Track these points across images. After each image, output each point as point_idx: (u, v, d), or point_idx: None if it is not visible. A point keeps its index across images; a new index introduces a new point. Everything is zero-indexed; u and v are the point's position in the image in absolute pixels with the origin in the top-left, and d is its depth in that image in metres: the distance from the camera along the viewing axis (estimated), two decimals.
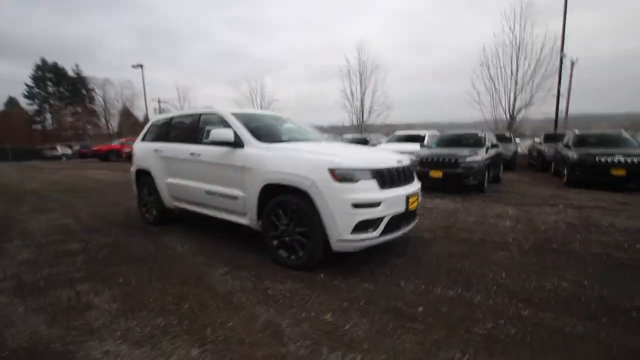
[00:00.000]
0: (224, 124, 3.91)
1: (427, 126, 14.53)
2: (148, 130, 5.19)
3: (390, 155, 3.49)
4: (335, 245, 2.91)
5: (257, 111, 4.36)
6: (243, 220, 3.61)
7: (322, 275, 3.00)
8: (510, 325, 2.21)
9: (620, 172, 7.53)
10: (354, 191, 2.89)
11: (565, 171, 8.68)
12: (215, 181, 3.82)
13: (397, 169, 3.25)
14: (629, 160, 7.48)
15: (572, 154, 8.45)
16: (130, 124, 41.08)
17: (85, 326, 2.23)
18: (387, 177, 3.11)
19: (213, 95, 74.13)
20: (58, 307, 2.49)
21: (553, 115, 16.82)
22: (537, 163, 13.21)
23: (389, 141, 11.87)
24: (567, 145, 9.42)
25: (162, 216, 4.82)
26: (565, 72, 16.07)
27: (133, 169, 5.25)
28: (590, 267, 3.17)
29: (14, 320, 2.33)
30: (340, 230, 2.85)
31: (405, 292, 2.69)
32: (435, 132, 12.10)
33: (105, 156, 21.16)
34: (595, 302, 2.51)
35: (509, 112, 18.58)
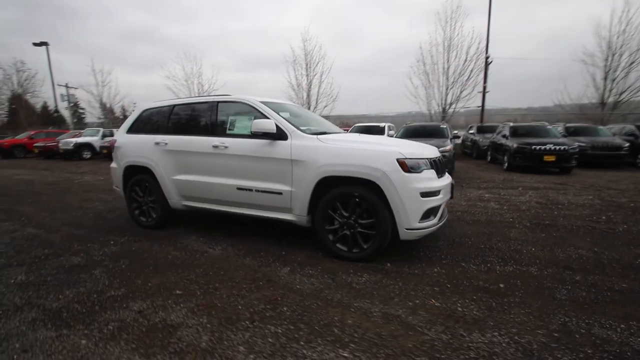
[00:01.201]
0: (253, 113, 3.65)
1: (370, 118, 15.29)
2: (137, 120, 4.51)
3: (430, 147, 3.67)
4: (404, 234, 3.00)
5: (278, 100, 4.11)
6: (287, 217, 3.45)
7: (388, 264, 3.08)
8: (577, 289, 2.59)
9: (551, 158, 9.08)
10: (421, 180, 3.00)
11: (506, 158, 10.10)
12: (251, 176, 3.55)
13: (440, 159, 3.46)
14: (557, 147, 9.06)
15: (512, 144, 9.86)
16: (27, 115, 34.26)
17: (192, 348, 1.94)
18: (439, 167, 3.30)
19: (131, 82, 66.05)
20: (134, 333, 2.10)
21: (475, 109, 19.30)
22: (472, 152, 15.00)
23: (350, 132, 12.23)
24: (504, 136, 10.91)
25: (165, 218, 4.29)
26: (490, 69, 18.41)
27: (118, 165, 4.53)
28: (587, 237, 3.85)
29: None
30: (410, 219, 2.95)
31: (474, 272, 2.93)
32: (392, 124, 12.85)
33: (9, 152, 17.41)
34: (615, 263, 3.08)
35: (442, 105, 20.59)
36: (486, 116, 20.30)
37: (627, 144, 10.21)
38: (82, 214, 5.23)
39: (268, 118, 3.50)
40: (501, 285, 2.66)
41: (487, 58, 17.50)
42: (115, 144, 4.61)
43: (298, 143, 3.32)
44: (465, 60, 18.92)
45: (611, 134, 11.37)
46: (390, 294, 2.54)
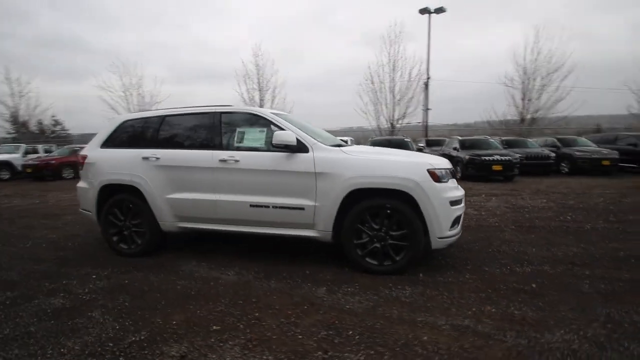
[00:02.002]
0: (265, 125, 3.44)
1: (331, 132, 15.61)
2: (115, 132, 3.92)
3: (443, 158, 3.79)
4: (436, 243, 3.03)
5: (278, 111, 3.92)
6: (309, 234, 3.25)
7: (421, 275, 3.06)
8: (594, 282, 2.85)
9: (499, 168, 10.15)
10: (449, 190, 3.09)
11: (459, 169, 11.02)
12: (267, 192, 3.29)
13: (453, 170, 3.60)
14: (503, 158, 10.17)
15: (464, 155, 10.84)
16: None
17: None
18: (454, 177, 3.43)
19: (56, 92, 57.76)
20: None
21: (414, 125, 21.07)
22: None
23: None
24: (455, 149, 11.94)
25: (153, 244, 3.74)
26: (430, 89, 20.16)
27: (91, 184, 3.86)
28: (568, 236, 4.31)
29: None
30: (442, 227, 2.99)
31: (501, 275, 3.05)
32: (352, 138, 13.26)
33: None
34: (606, 257, 3.48)
35: (389, 121, 21.89)
36: (420, 132, 22.07)
37: (553, 154, 11.89)
38: (32, 245, 4.32)
39: (283, 129, 3.32)
40: (533, 286, 2.81)
41: (428, 79, 19.20)
42: (86, 160, 3.94)
43: (322, 155, 3.19)
44: (409, 80, 20.58)
45: (538, 145, 13.14)
46: (444, 304, 2.51)
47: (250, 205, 3.34)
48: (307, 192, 3.19)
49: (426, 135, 19.70)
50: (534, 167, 11.71)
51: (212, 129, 3.56)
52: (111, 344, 2.09)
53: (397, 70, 21.03)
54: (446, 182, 3.09)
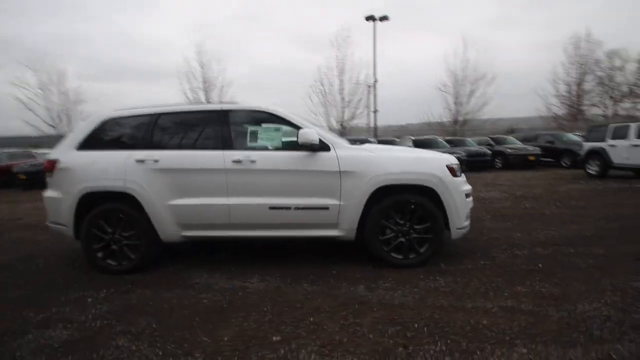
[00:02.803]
0: (278, 123, 3.31)
1: None
2: (95, 132, 3.38)
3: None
4: (455, 234, 3.22)
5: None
6: (332, 233, 3.21)
7: (442, 265, 3.23)
8: (585, 258, 3.30)
9: None
10: (463, 183, 3.31)
11: None
12: (288, 193, 3.15)
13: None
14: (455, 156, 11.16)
15: None
16: None
17: None
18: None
19: None
20: None
21: (362, 125, 22.09)
22: None
23: None
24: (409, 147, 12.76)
25: (150, 257, 3.32)
26: (376, 90, 21.20)
27: (66, 193, 3.28)
28: (537, 221, 4.91)
29: None
30: (461, 219, 3.20)
31: (508, 259, 3.37)
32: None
33: None
34: (579, 237, 4.05)
35: (339, 122, 22.50)
36: (364, 131, 23.16)
37: (490, 152, 13.41)
38: None
39: (301, 127, 3.22)
40: (540, 265, 3.16)
41: (375, 82, 20.20)
42: (58, 165, 3.34)
43: (345, 154, 3.17)
44: (357, 83, 21.39)
45: (476, 144, 14.70)
46: (480, 290, 2.69)
47: (270, 208, 3.17)
48: (331, 191, 3.14)
49: (376, 135, 20.67)
50: (476, 163, 13.07)
51: (219, 128, 3.29)
52: None
53: (345, 73, 21.75)
54: (460, 176, 3.31)
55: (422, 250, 3.19)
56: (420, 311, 2.37)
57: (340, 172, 3.12)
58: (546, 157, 13.61)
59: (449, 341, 2.00)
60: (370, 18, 19.36)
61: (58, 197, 3.35)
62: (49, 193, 3.46)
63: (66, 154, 3.37)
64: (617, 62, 23.04)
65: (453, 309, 2.39)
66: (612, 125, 9.55)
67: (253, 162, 3.16)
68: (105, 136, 3.43)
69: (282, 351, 1.97)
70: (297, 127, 3.24)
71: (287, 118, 3.31)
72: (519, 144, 14.15)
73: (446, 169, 3.17)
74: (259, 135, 3.31)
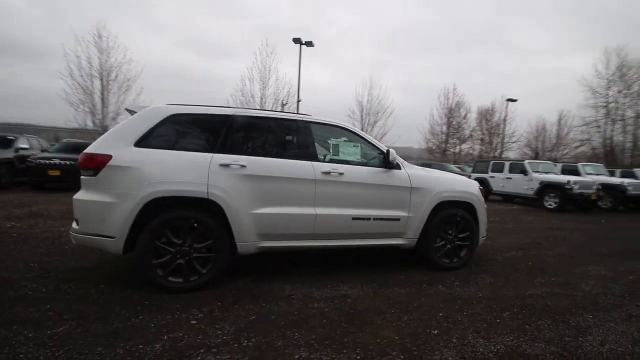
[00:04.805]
0: (353, 139, 3.59)
1: None
2: (158, 128, 2.90)
3: None
4: (480, 241, 4.06)
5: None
6: (398, 241, 3.62)
7: (473, 267, 4.01)
8: (569, 253, 4.62)
9: None
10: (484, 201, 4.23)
11: None
12: (369, 205, 3.42)
13: None
14: None
15: None
16: None
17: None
18: None
19: None
20: None
21: None
22: None
23: None
24: None
25: (221, 272, 3.01)
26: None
27: (121, 198, 2.70)
28: (496, 231, 6.35)
29: None
30: (484, 229, 4.07)
31: (514, 259, 4.41)
32: None
33: None
34: (544, 238, 5.53)
35: None
36: None
37: None
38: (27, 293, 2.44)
39: (377, 147, 3.59)
40: (530, 264, 4.29)
41: (299, 101, 21.09)
42: (112, 163, 2.72)
43: (413, 172, 3.66)
44: (282, 101, 21.83)
45: None
46: (517, 282, 3.54)
47: (353, 218, 3.36)
48: (402, 204, 3.57)
49: None
50: None
51: (303, 139, 3.33)
52: None
53: (267, 87, 21.92)
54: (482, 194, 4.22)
55: (462, 254, 3.91)
56: (505, 300, 3.03)
57: (411, 187, 3.60)
58: None
59: (556, 316, 2.70)
60: (297, 41, 20.37)
61: (106, 202, 2.72)
62: (88, 196, 2.76)
63: (122, 150, 2.79)
64: (462, 112, 30.63)
65: (520, 297, 3.13)
66: (492, 162, 12.82)
67: (341, 174, 3.32)
68: (171, 133, 3.00)
69: (454, 340, 2.29)
70: (372, 145, 3.59)
71: (363, 136, 3.62)
72: None
73: (479, 189, 4.03)
74: (340, 150, 3.49)
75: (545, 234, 6.34)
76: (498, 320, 2.62)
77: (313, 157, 3.31)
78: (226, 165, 2.97)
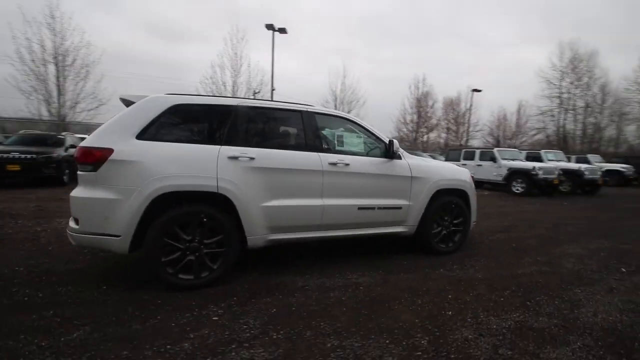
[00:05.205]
0: (354, 130, 3.64)
1: None
2: (159, 119, 2.75)
3: None
4: (472, 226, 4.29)
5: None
6: (399, 229, 3.73)
7: (466, 250, 4.24)
8: (548, 234, 4.99)
9: None
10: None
11: None
12: (373, 194, 3.49)
13: None
14: None
15: None
16: None
17: None
18: None
19: None
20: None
21: None
22: None
23: None
24: None
25: (231, 266, 2.96)
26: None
27: (125, 194, 2.55)
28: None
29: None
30: (475, 215, 4.30)
31: (501, 241, 4.71)
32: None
33: None
34: (519, 222, 5.91)
35: None
36: None
37: None
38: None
39: (379, 137, 3.65)
40: (514, 245, 4.61)
41: (272, 90, 20.67)
42: (114, 157, 2.55)
43: (413, 162, 3.76)
44: (253, 90, 21.30)
45: None
46: (509, 260, 3.81)
47: (359, 208, 3.42)
48: (404, 193, 3.68)
49: None
50: None
51: (309, 130, 3.30)
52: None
53: (239, 75, 21.27)
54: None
55: (456, 239, 4.11)
56: (502, 280, 3.25)
57: (412, 177, 3.71)
58: None
59: (550, 292, 2.95)
60: (270, 27, 19.81)
61: (110, 199, 2.56)
62: (88, 193, 2.58)
63: (123, 143, 2.62)
64: (430, 102, 31.76)
65: (515, 276, 3.38)
66: (464, 150, 13.43)
67: (347, 165, 3.35)
68: (174, 125, 2.87)
69: (469, 319, 2.45)
70: (375, 136, 3.65)
71: (366, 126, 3.65)
72: None
73: (470, 177, 4.24)
74: (344, 141, 3.51)
75: (520, 217, 6.82)
76: (502, 299, 2.82)
77: (319, 148, 3.31)
78: (234, 158, 2.89)
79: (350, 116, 3.68)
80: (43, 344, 1.99)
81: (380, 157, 3.61)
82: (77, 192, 2.63)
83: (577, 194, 11.84)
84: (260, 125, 3.23)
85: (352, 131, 3.62)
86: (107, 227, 2.58)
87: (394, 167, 3.63)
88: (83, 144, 2.66)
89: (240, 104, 3.10)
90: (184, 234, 2.75)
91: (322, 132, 3.46)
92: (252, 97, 3.42)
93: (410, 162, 3.76)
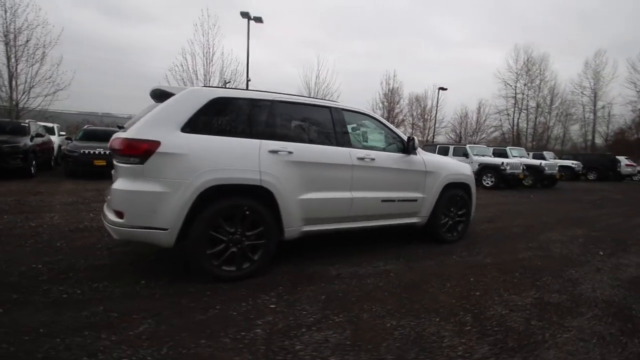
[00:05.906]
0: (376, 126, 3.83)
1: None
2: (202, 112, 2.74)
3: None
4: (471, 217, 4.68)
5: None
6: (413, 220, 4.01)
7: (467, 239, 4.62)
8: (534, 222, 5.52)
9: None
10: None
11: None
12: (394, 187, 3.73)
13: None
14: None
15: None
16: None
17: None
18: None
19: None
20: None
21: None
22: None
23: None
24: None
25: (270, 258, 3.04)
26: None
27: (173, 187, 2.54)
28: None
29: None
30: (474, 207, 4.70)
31: (500, 229, 5.16)
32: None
33: None
34: (503, 213, 6.46)
35: None
36: None
37: None
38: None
39: (396, 133, 3.87)
40: (504, 234, 5.09)
41: (248, 80, 20.18)
42: (161, 149, 2.52)
43: (426, 157, 4.04)
44: (224, 79, 20.64)
45: None
46: (506, 247, 4.23)
47: (382, 201, 3.63)
48: (419, 186, 3.95)
49: None
50: None
51: (339, 126, 3.44)
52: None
53: (211, 63, 20.51)
54: None
55: (459, 229, 4.48)
56: (509, 264, 3.64)
57: (426, 171, 3.98)
58: None
59: (552, 273, 3.36)
60: (245, 15, 19.26)
61: (158, 192, 2.54)
62: (134, 186, 2.52)
63: (170, 136, 2.59)
64: (396, 98, 32.92)
65: (518, 260, 3.79)
66: (438, 145, 14.19)
67: (373, 160, 3.54)
68: (214, 118, 2.86)
69: (496, 297, 2.76)
70: (394, 133, 3.87)
71: (386, 124, 3.86)
72: None
73: (472, 172, 4.61)
74: (368, 137, 3.69)
75: (500, 209, 7.47)
76: (515, 280, 3.19)
77: (348, 144, 3.46)
78: (275, 152, 2.96)
79: (373, 113, 3.86)
80: (113, 338, 1.98)
81: (399, 152, 3.84)
82: (121, 185, 2.56)
83: (538, 187, 13.05)
84: (295, 120, 3.31)
85: (374, 127, 3.81)
86: (155, 220, 2.55)
87: (411, 162, 3.88)
88: (126, 135, 2.59)
89: (277, 99, 3.15)
90: (227, 226, 2.78)
91: (350, 128, 3.61)
92: (289, 93, 3.29)
93: (424, 157, 4.03)
